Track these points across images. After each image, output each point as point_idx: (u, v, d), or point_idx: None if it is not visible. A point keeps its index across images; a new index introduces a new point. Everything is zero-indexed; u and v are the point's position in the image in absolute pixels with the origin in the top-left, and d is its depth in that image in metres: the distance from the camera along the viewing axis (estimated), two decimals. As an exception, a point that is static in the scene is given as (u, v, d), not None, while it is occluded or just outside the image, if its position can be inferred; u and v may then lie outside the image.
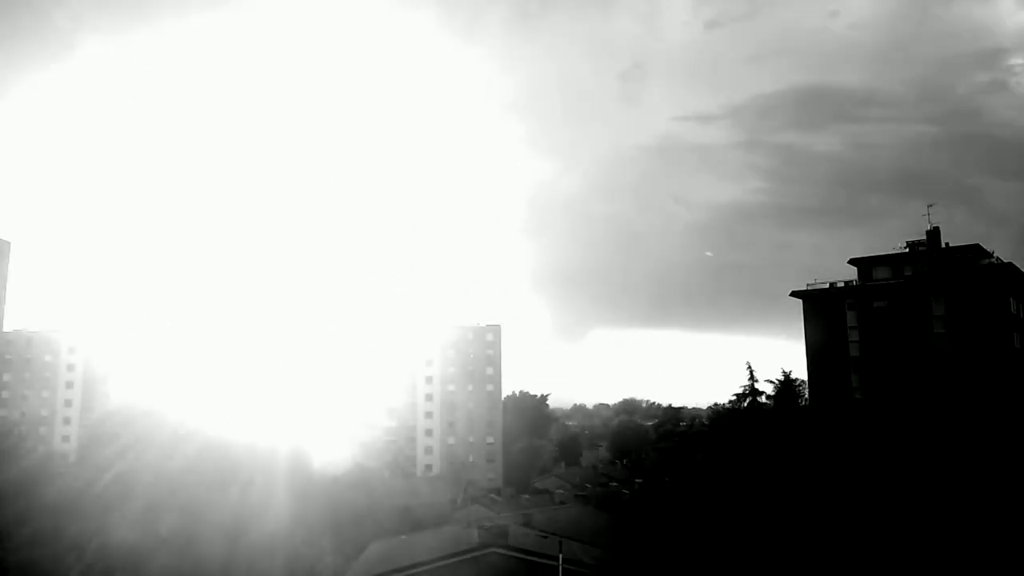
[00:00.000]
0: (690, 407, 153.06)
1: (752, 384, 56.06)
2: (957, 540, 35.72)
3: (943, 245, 68.89)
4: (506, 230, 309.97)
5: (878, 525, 38.08)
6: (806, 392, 67.54)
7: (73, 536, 39.01)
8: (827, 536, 36.37)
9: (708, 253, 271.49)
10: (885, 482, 47.89)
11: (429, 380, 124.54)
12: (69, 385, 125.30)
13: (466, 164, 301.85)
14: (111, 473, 50.17)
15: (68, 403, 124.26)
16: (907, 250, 69.90)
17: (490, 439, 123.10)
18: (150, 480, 48.37)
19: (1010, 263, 65.29)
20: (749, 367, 56.40)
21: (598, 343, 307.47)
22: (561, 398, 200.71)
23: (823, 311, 69.95)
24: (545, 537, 40.69)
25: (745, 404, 56.08)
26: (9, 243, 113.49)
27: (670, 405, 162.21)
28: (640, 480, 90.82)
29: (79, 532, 39.70)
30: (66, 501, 43.35)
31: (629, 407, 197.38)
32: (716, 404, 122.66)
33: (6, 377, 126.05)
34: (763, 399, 56.36)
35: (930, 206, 71.03)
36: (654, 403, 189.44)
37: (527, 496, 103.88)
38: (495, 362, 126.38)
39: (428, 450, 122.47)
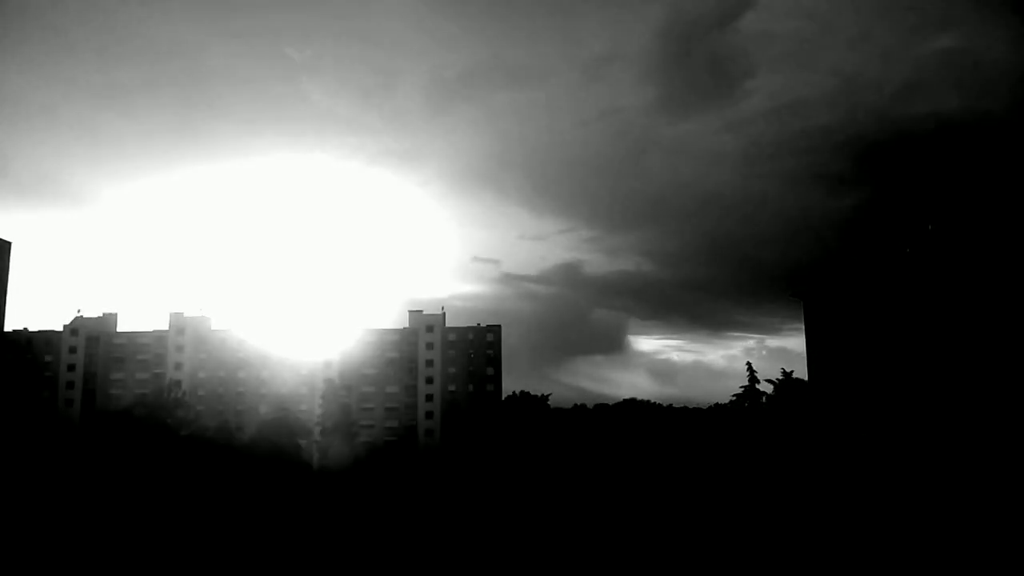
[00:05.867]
0: (691, 407, 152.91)
1: (753, 384, 56.24)
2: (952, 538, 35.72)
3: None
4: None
5: (871, 516, 38.08)
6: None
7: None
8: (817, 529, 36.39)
9: (690, 244, 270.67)
10: (883, 480, 47.81)
11: (430, 380, 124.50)
12: (69, 385, 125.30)
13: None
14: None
15: (68, 403, 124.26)
16: (907, 251, 69.91)
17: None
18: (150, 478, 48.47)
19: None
20: (749, 367, 56.59)
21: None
22: (561, 398, 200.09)
23: (823, 311, 69.89)
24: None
25: (746, 404, 56.29)
26: (9, 243, 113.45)
27: (670, 406, 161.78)
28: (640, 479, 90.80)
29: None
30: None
31: (630, 407, 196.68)
32: (717, 404, 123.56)
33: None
34: (764, 399, 56.59)
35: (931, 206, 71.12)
36: (654, 403, 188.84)
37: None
38: (495, 362, 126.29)
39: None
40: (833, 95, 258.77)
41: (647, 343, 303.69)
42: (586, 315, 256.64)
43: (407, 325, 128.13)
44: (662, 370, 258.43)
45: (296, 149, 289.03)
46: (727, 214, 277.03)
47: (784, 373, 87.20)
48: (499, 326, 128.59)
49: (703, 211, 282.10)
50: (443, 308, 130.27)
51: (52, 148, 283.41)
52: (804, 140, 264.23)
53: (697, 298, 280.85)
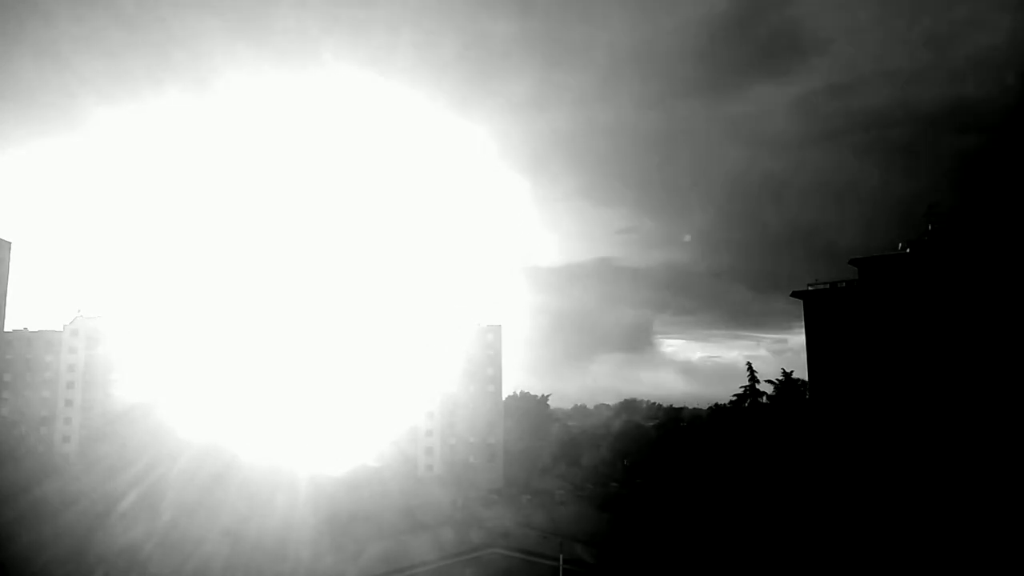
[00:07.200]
0: (691, 407, 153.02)
1: (753, 384, 56.19)
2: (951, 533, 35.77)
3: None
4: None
5: (870, 516, 38.09)
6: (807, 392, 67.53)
7: (74, 540, 39.06)
8: (817, 525, 36.44)
9: (687, 238, 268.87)
10: (881, 477, 47.85)
11: (430, 380, 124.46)
12: (69, 385, 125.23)
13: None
14: (113, 475, 50.20)
15: (68, 403, 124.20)
16: (907, 251, 69.89)
17: (491, 439, 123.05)
18: (153, 481, 48.42)
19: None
20: (749, 367, 56.54)
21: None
22: (562, 398, 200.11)
23: (824, 311, 69.90)
24: (545, 537, 40.72)
25: (747, 404, 56.29)
26: (9, 243, 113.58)
27: (671, 406, 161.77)
28: (639, 479, 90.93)
29: (81, 534, 39.75)
30: (68, 502, 43.43)
31: (630, 407, 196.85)
32: (717, 404, 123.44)
33: (6, 377, 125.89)
34: (764, 399, 56.54)
35: (931, 206, 71.03)
36: (655, 403, 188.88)
37: (528, 496, 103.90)
38: (495, 362, 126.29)
39: (429, 450, 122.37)
40: (913, 70, 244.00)
41: (673, 340, 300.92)
42: (612, 311, 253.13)
43: (408, 323, 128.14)
44: (686, 368, 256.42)
45: (304, 125, 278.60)
46: (773, 201, 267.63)
47: (784, 373, 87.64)
48: (499, 326, 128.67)
49: (746, 199, 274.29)
50: (443, 307, 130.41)
51: (52, 140, 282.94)
52: (877, 117, 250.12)
53: (730, 294, 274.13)
